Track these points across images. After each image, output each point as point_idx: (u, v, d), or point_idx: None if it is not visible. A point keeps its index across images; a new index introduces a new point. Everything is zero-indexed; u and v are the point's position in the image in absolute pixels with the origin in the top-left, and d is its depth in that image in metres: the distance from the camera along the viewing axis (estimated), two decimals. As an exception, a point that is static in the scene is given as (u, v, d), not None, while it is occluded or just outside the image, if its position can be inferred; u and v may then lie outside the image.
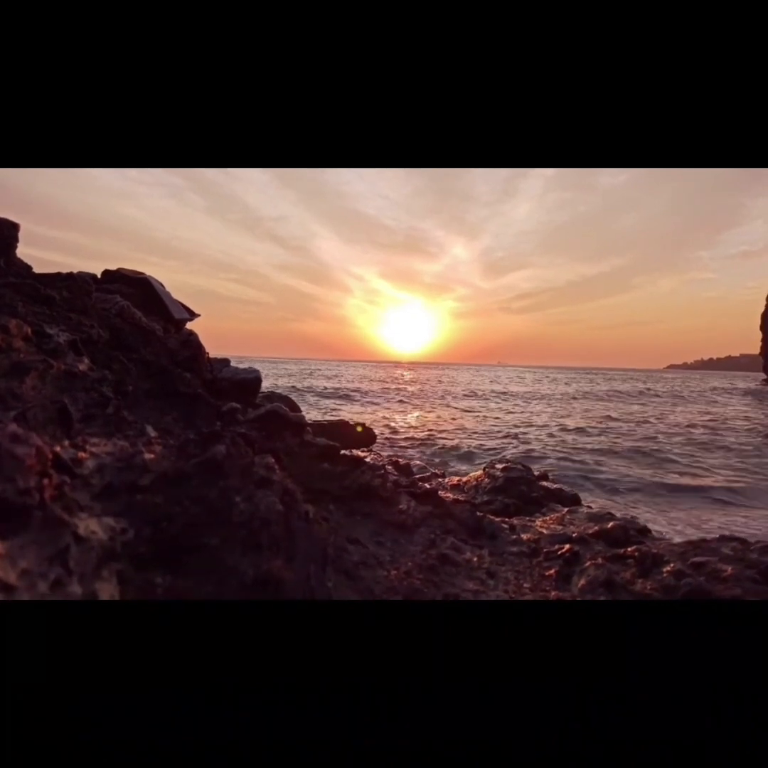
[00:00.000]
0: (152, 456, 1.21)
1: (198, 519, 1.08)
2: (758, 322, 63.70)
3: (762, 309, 63.17)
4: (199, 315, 2.71)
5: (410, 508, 2.10)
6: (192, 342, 2.25)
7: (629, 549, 1.83)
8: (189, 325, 2.82)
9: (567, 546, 1.87)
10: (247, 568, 0.98)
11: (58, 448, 0.96)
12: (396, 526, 1.92)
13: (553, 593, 1.57)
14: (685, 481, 7.03)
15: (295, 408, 9.57)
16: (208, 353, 2.55)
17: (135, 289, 2.56)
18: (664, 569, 1.65)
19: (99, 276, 2.66)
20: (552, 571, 1.72)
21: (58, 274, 2.01)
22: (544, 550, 1.91)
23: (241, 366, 2.71)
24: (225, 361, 2.54)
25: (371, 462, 2.40)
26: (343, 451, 2.27)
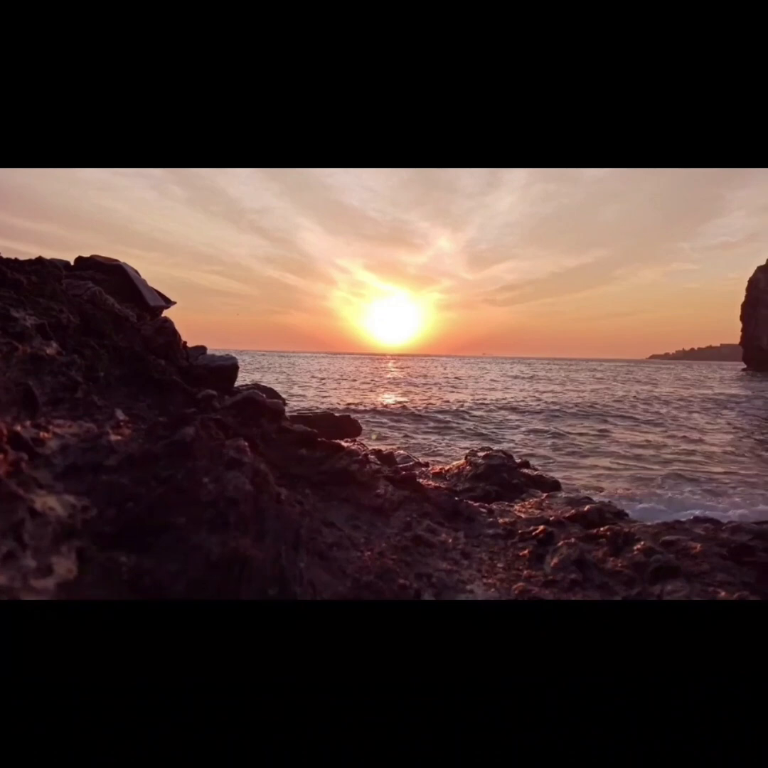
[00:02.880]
0: (119, 438, 1.20)
1: (164, 499, 1.07)
2: (739, 312, 64.68)
3: (742, 299, 64.13)
4: (174, 302, 2.68)
5: (388, 492, 2.11)
6: (167, 329, 2.22)
7: (602, 529, 1.86)
8: (169, 315, 2.79)
9: (541, 527, 1.90)
10: (213, 546, 0.98)
11: (18, 428, 0.95)
12: (373, 509, 1.93)
13: (525, 572, 1.59)
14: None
15: (278, 399, 9.52)
16: (184, 341, 2.53)
17: (109, 276, 2.52)
18: (635, 547, 1.68)
19: (72, 263, 2.62)
20: (526, 552, 1.74)
21: (28, 259, 1.98)
22: (520, 531, 1.94)
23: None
24: (201, 349, 2.52)
25: (350, 448, 2.40)
26: (321, 438, 2.27)
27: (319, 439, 2.23)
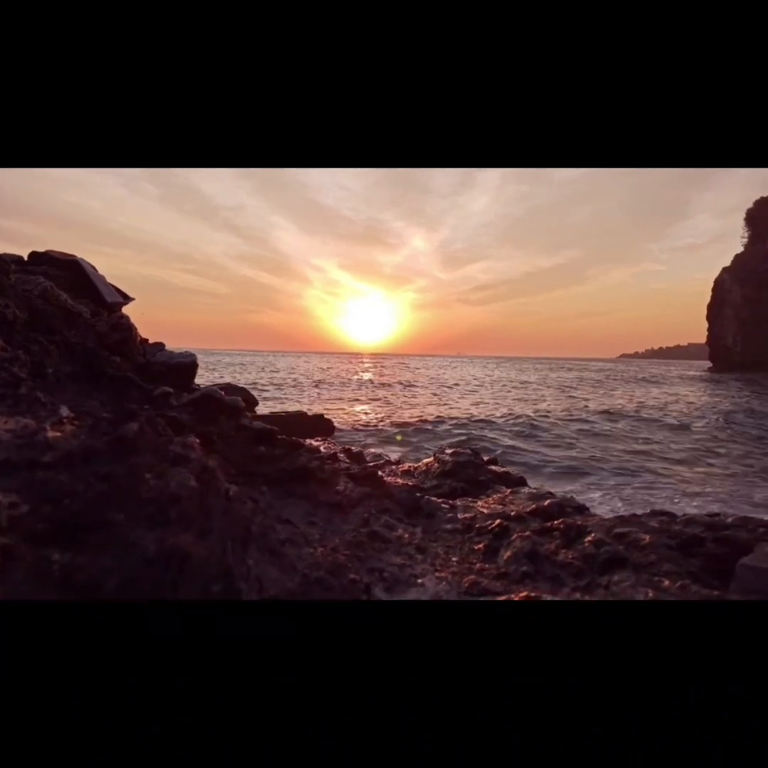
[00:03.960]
0: (58, 434, 1.18)
1: (103, 496, 1.06)
2: (705, 312, 66.44)
3: (709, 300, 65.88)
4: (133, 298, 2.63)
5: (348, 489, 2.11)
6: (122, 325, 2.18)
7: (556, 522, 1.89)
8: (130, 312, 2.74)
9: (498, 521, 1.92)
10: (150, 543, 0.97)
11: (-56, 424, 0.92)
12: (331, 506, 1.92)
13: (478, 565, 1.61)
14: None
15: (251, 399, 9.41)
16: (142, 337, 2.48)
17: (64, 272, 2.47)
18: (586, 540, 1.72)
19: (26, 258, 2.55)
20: (481, 545, 1.76)
21: (-27, 254, 1.92)
22: (477, 526, 1.96)
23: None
24: (160, 345, 2.48)
25: (311, 445, 2.40)
26: (281, 436, 2.26)
27: (279, 437, 2.22)
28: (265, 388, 19.56)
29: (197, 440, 1.43)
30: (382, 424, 10.78)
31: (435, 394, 19.71)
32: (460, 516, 2.22)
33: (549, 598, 1.38)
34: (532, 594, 1.38)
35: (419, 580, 1.46)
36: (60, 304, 2.00)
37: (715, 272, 66.13)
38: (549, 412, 14.40)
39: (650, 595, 1.39)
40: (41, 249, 2.58)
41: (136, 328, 2.39)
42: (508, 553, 1.66)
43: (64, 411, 1.37)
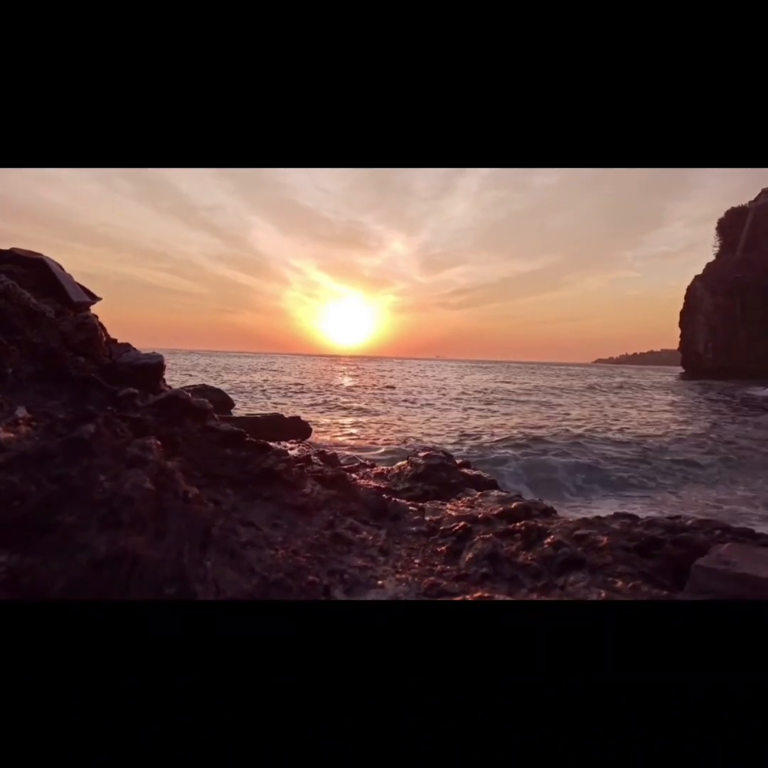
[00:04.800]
0: (11, 435, 1.16)
1: (55, 497, 1.05)
2: (678, 319, 67.91)
3: (681, 307, 67.35)
4: (100, 298, 2.59)
5: (314, 491, 2.12)
6: (87, 325, 2.16)
7: (517, 524, 1.93)
8: (98, 311, 2.70)
9: (462, 523, 1.95)
10: (101, 545, 0.97)
11: None
12: (296, 508, 1.93)
13: (439, 567, 1.63)
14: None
15: (227, 401, 9.25)
16: (109, 337, 2.46)
17: (29, 270, 2.42)
18: (546, 541, 1.75)
19: (-9, 255, 2.50)
20: (443, 548, 1.79)
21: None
22: (442, 528, 1.98)
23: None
24: (126, 346, 2.45)
25: (280, 448, 2.40)
26: (249, 438, 2.25)
27: (246, 439, 2.22)
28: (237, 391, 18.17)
29: (157, 442, 1.42)
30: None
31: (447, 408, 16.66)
32: (427, 518, 2.24)
33: (503, 599, 1.40)
34: (488, 595, 1.40)
35: (380, 582, 1.48)
36: (22, 302, 1.97)
37: (688, 280, 67.64)
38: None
39: (603, 595, 1.43)
40: (12, 244, 2.54)
41: (102, 328, 2.37)
42: (470, 555, 1.69)
43: (21, 412, 1.36)
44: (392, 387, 25.07)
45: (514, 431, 10.79)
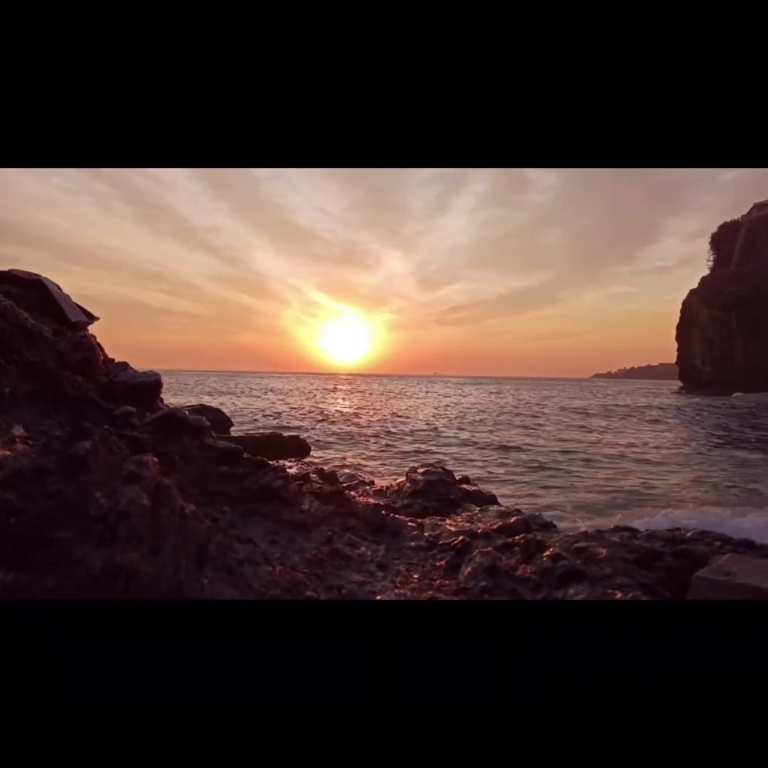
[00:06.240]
0: (8, 453, 1.17)
1: (51, 514, 1.05)
2: (674, 332, 68.19)
3: (677, 321, 67.69)
4: (97, 318, 2.61)
5: (312, 508, 2.11)
6: (85, 344, 2.17)
7: (516, 538, 1.92)
8: (96, 331, 2.71)
9: (460, 538, 1.94)
10: (96, 561, 0.96)
11: None
12: (295, 525, 1.92)
13: (438, 582, 1.62)
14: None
15: (225, 420, 9.26)
16: (106, 356, 2.46)
17: (27, 291, 2.44)
18: (545, 554, 1.74)
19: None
20: (442, 562, 1.78)
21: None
22: (441, 543, 1.97)
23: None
24: (124, 365, 2.46)
25: (277, 465, 2.39)
26: (246, 455, 2.25)
27: (244, 456, 2.21)
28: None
29: (154, 459, 1.42)
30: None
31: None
32: (426, 534, 2.23)
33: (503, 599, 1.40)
34: (487, 608, 1.39)
35: (378, 597, 1.46)
36: (20, 322, 1.98)
37: (683, 294, 68.03)
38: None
39: (603, 607, 1.42)
40: (12, 267, 2.56)
41: (99, 347, 2.38)
42: (469, 569, 1.68)
43: (18, 430, 1.36)
44: (403, 416, 17.95)
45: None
